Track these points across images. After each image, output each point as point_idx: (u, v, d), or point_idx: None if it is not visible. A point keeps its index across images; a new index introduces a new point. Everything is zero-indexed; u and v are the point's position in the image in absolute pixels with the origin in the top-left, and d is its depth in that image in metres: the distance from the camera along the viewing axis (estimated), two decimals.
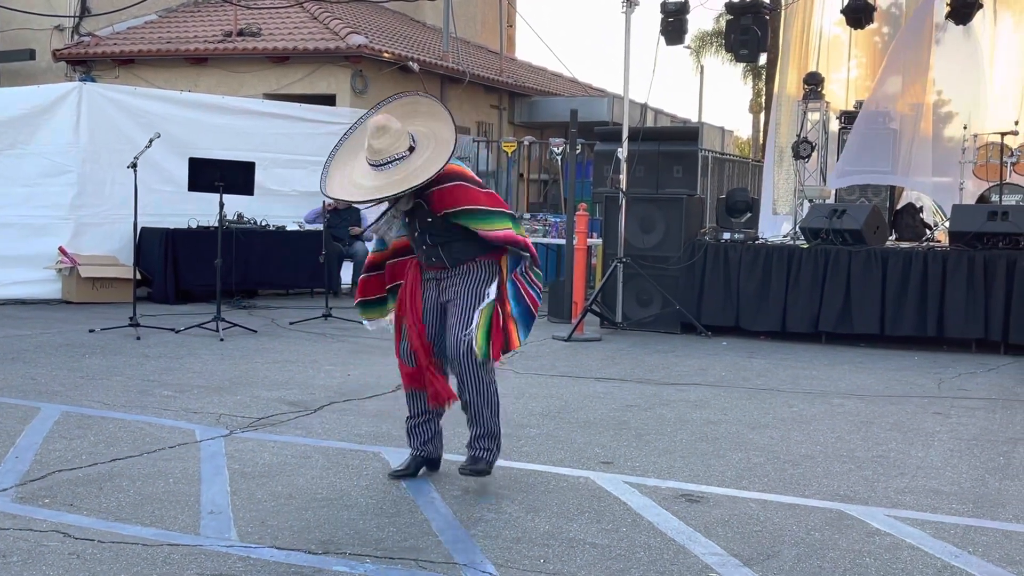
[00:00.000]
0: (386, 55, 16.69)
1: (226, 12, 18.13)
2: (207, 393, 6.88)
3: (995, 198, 11.33)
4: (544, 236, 14.01)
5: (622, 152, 10.79)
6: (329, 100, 16.23)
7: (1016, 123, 12.60)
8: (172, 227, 12.21)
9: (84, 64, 17.86)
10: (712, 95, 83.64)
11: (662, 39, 11.28)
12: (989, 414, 6.85)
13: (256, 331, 9.90)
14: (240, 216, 12.59)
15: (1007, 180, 11.74)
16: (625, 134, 10.85)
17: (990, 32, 13.50)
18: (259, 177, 10.52)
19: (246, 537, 4.02)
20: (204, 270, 10.98)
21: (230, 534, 4.06)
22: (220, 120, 13.34)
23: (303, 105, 14.61)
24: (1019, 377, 8.33)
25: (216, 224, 10.05)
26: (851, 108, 13.89)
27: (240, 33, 17.30)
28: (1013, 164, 11.99)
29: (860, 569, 3.85)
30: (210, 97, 14.23)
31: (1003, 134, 12.02)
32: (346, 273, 13.38)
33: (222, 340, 9.24)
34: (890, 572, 3.83)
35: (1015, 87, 13.57)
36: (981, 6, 11.89)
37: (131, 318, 9.52)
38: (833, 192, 12.94)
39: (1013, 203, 11.01)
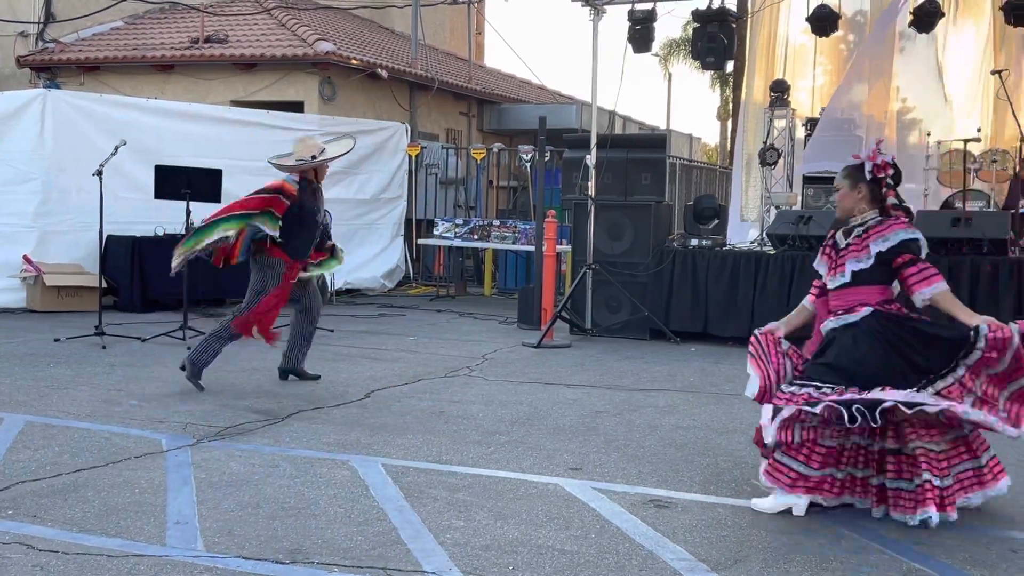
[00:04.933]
0: (354, 62, 16.66)
1: (193, 19, 18.04)
2: (174, 402, 6.83)
3: (959, 204, 11.45)
4: (514, 243, 14.03)
5: (591, 159, 10.83)
6: (297, 107, 16.18)
7: (979, 130, 12.76)
8: (139, 235, 12.11)
9: (49, 71, 17.72)
10: (680, 102, 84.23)
11: (630, 47, 11.32)
12: None
13: None
14: None
15: (970, 186, 11.87)
16: (593, 141, 10.89)
17: (952, 40, 13.68)
18: (227, 184, 10.45)
19: (213, 547, 3.99)
20: (171, 279, 10.82)
21: (197, 544, 4.03)
22: (187, 127, 13.25)
23: (271, 112, 14.54)
24: None
25: (183, 232, 9.98)
26: (817, 115, 14.02)
27: (207, 40, 17.22)
28: (976, 170, 12.14)
29: (826, 572, 3.88)
30: (177, 104, 14.13)
31: (966, 141, 12.17)
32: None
33: (189, 348, 9.16)
34: (857, 575, 3.85)
35: (977, 94, 13.75)
36: (943, 15, 12.03)
37: (97, 327, 9.44)
38: (799, 199, 13.04)
39: (977, 209, 11.13)
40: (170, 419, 6.30)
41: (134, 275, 12.02)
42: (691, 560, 3.98)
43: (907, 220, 4.82)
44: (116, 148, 9.72)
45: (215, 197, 10.09)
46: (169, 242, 11.87)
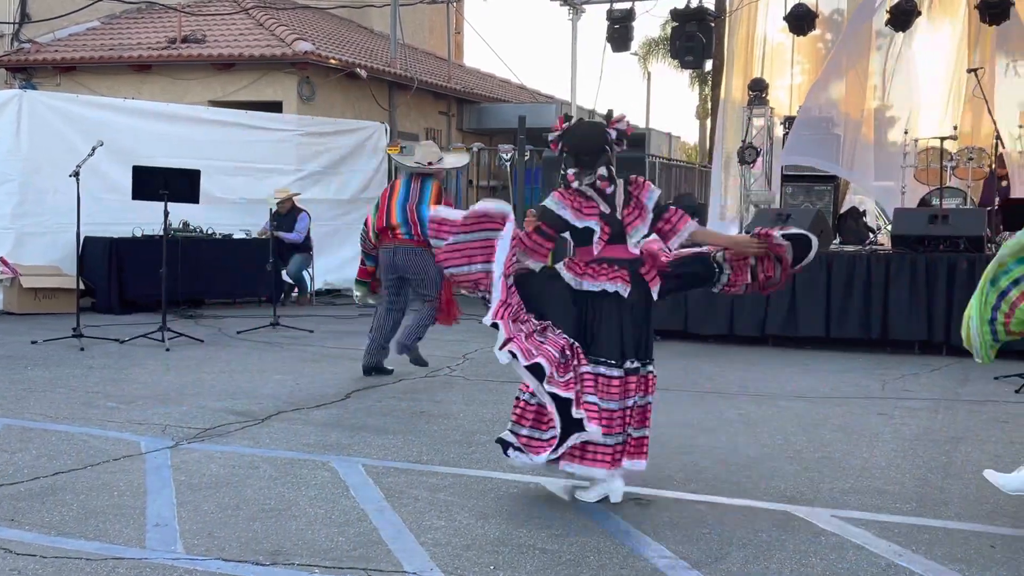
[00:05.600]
0: (333, 61, 16.62)
1: (170, 19, 17.94)
2: (152, 404, 6.79)
3: (936, 201, 11.53)
4: None
5: None
6: (275, 107, 16.12)
7: (955, 128, 12.85)
8: (116, 236, 12.05)
9: (25, 72, 17.58)
10: (659, 101, 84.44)
11: (608, 46, 11.36)
12: (932, 414, 6.97)
13: (203, 340, 9.80)
14: (186, 224, 12.46)
15: (947, 184, 11.95)
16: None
17: (928, 38, 13.76)
18: (205, 185, 10.42)
19: (192, 549, 3.98)
20: (149, 279, 10.84)
21: (176, 547, 4.01)
22: (165, 128, 13.20)
23: (249, 112, 14.49)
24: (960, 378, 8.48)
25: (161, 233, 9.94)
26: (795, 114, 14.08)
27: (184, 40, 17.14)
28: (953, 168, 12.22)
29: (806, 569, 3.89)
30: (154, 104, 14.07)
31: (943, 139, 12.25)
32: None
33: (168, 350, 9.13)
34: (836, 572, 3.87)
35: (953, 92, 13.84)
36: (920, 13, 12.13)
37: (74, 329, 9.38)
38: (778, 197, 13.10)
39: (953, 206, 11.21)
40: (149, 421, 6.27)
41: (112, 276, 11.95)
42: (672, 558, 3.99)
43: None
44: (93, 149, 9.67)
45: (193, 198, 10.05)
46: (147, 243, 11.87)
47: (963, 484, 5.15)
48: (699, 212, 11.82)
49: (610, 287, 4.67)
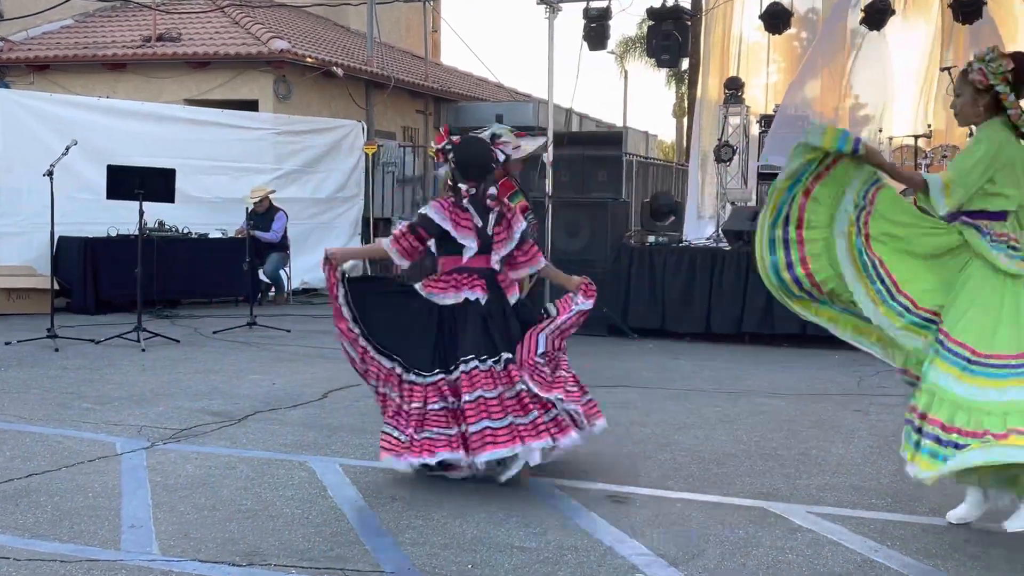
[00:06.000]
0: (309, 60, 16.56)
1: (145, 17, 17.83)
2: (128, 405, 6.74)
3: (909, 199, 11.59)
4: None
5: (548, 157, 10.85)
6: (251, 105, 16.05)
7: (929, 126, 12.94)
8: (91, 236, 11.95)
9: None
10: (636, 100, 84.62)
11: (585, 44, 11.36)
12: (903, 408, 7.00)
13: (179, 341, 9.74)
14: (161, 224, 12.38)
15: None
16: (550, 138, 10.91)
17: (903, 37, 13.85)
18: (180, 184, 10.34)
19: (168, 551, 3.95)
20: (124, 279, 10.75)
21: (152, 548, 3.99)
22: (139, 127, 13.11)
23: (224, 111, 14.42)
24: None
25: (136, 232, 9.87)
26: (771, 112, 14.14)
27: (159, 38, 17.03)
28: (927, 166, 12.31)
29: (782, 566, 3.91)
30: (129, 103, 13.97)
31: (917, 137, 12.33)
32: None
33: (143, 350, 9.07)
34: (812, 568, 3.90)
35: (927, 91, 13.94)
36: (894, 12, 12.20)
37: (49, 329, 9.30)
38: (754, 195, 13.16)
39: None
40: (124, 422, 6.23)
41: (87, 276, 11.86)
42: (649, 555, 4.00)
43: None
44: (67, 148, 9.59)
45: (168, 197, 9.98)
46: (122, 243, 11.79)
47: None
48: (676, 210, 11.85)
49: (471, 295, 4.98)
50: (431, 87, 20.22)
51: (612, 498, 4.77)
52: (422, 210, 5.08)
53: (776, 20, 12.72)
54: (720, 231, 11.74)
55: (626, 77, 35.64)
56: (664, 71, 33.88)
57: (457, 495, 4.77)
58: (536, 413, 4.83)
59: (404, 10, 22.87)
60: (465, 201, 5.01)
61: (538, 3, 11.06)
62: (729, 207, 12.53)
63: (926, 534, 4.32)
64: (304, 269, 14.09)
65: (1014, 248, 4.29)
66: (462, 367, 4.83)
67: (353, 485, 4.91)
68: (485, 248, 5.05)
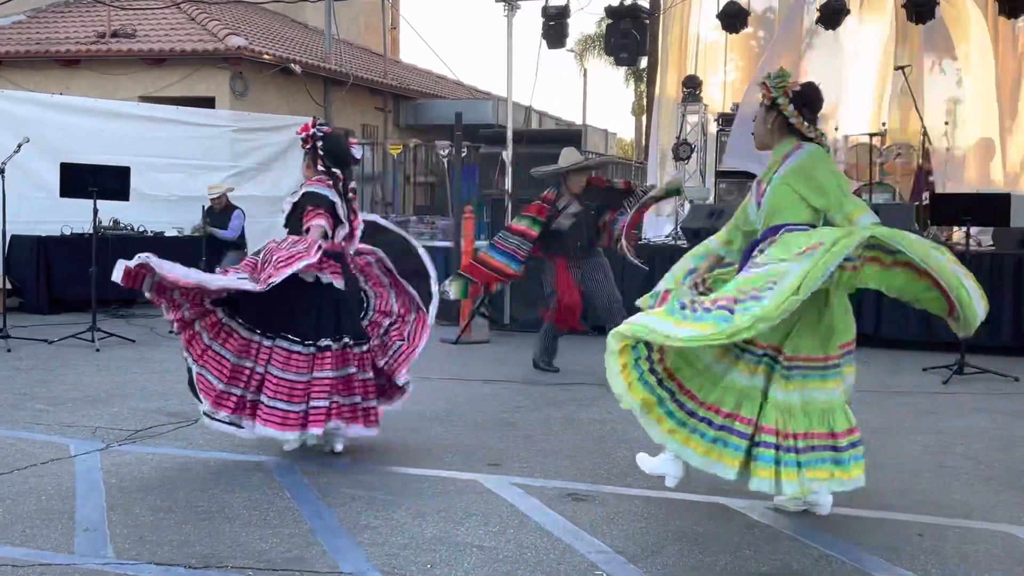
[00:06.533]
0: (266, 57, 16.43)
1: (99, 12, 17.60)
2: (82, 406, 6.65)
3: (866, 197, 11.73)
4: (432, 239, 13.97)
5: (507, 155, 10.85)
6: (208, 103, 15.90)
7: (884, 124, 13.09)
8: (44, 235, 11.79)
9: None
10: (595, 98, 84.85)
11: (544, 42, 11.38)
12: (863, 406, 7.07)
13: (134, 340, 9.63)
14: (116, 222, 12.23)
15: (877, 179, 12.17)
16: (510, 137, 10.92)
17: (858, 36, 14.01)
18: (135, 182, 10.23)
19: (123, 554, 3.90)
20: (78, 279, 10.61)
21: (106, 551, 3.93)
22: (94, 124, 12.94)
23: (180, 108, 14.27)
24: (891, 369, 8.64)
25: (90, 231, 9.74)
26: (729, 111, 14.22)
27: (114, 34, 16.83)
28: (882, 164, 12.45)
29: (740, 561, 3.94)
30: (83, 100, 13.79)
31: (872, 135, 12.47)
32: None
33: (98, 351, 8.96)
34: (770, 563, 3.92)
35: (882, 89, 14.11)
36: (849, 11, 12.33)
37: (0, 329, 9.16)
38: (712, 193, 13.24)
39: (882, 201, 11.41)
40: (78, 423, 6.14)
41: (40, 276, 11.70)
42: (608, 552, 4.00)
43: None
44: (19, 145, 9.46)
45: (123, 195, 9.88)
46: (76, 241, 11.63)
47: (893, 475, 5.25)
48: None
49: (333, 280, 5.29)
50: (390, 84, 20.14)
51: (572, 496, 4.77)
52: (313, 190, 5.33)
53: (733, 19, 12.81)
54: (679, 229, 11.79)
55: (585, 75, 35.76)
56: (623, 69, 34.02)
57: (416, 495, 4.76)
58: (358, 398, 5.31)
59: (363, 7, 22.77)
60: (341, 185, 5.35)
61: (497, 1, 11.05)
62: (688, 205, 12.59)
63: (882, 528, 4.36)
64: None
65: None
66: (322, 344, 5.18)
67: (311, 485, 4.88)
68: (346, 237, 5.39)
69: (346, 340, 5.26)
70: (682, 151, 13.11)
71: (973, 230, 9.52)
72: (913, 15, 11.66)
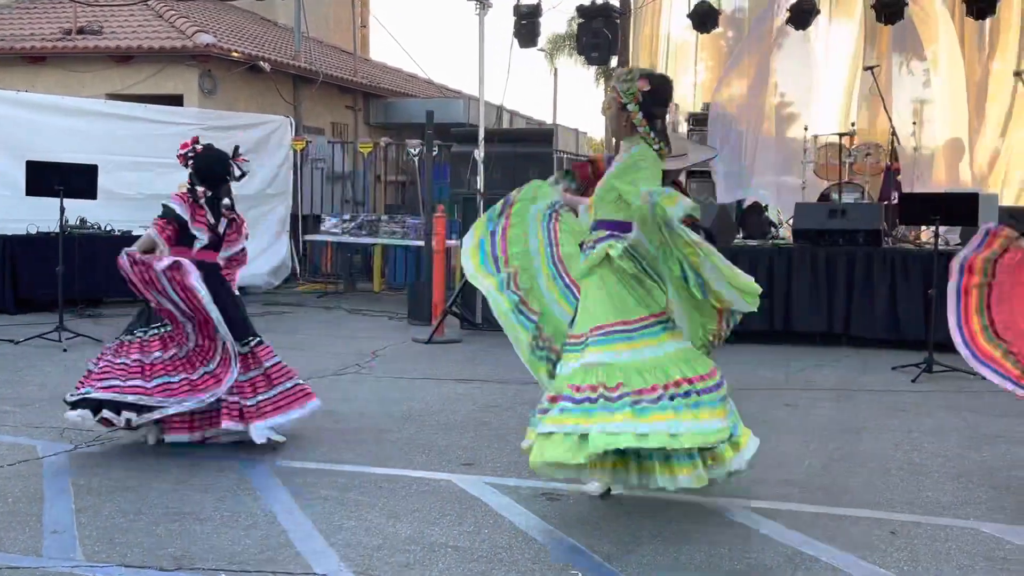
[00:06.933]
0: (235, 54, 16.31)
1: (65, 9, 17.41)
2: (50, 407, 6.55)
3: (835, 196, 11.81)
4: (403, 238, 13.94)
5: (479, 154, 10.83)
6: (176, 100, 15.76)
7: (853, 124, 13.19)
8: (9, 233, 11.63)
9: None
10: (566, 97, 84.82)
11: (516, 41, 11.37)
12: (834, 404, 7.14)
13: (101, 340, 9.48)
14: (83, 221, 12.08)
15: (846, 179, 12.26)
16: (481, 135, 10.90)
17: (827, 36, 14.11)
18: (102, 181, 10.12)
19: (93, 556, 3.85)
20: (45, 278, 10.48)
21: (75, 554, 3.88)
22: (60, 121, 12.78)
23: (148, 106, 14.13)
24: (861, 368, 8.70)
25: (57, 230, 9.63)
26: (699, 110, 14.28)
27: (80, 31, 16.64)
28: (851, 163, 12.54)
29: (714, 560, 3.94)
30: (49, 97, 13.62)
31: (841, 135, 12.56)
32: None
33: (65, 351, 8.86)
34: (743, 561, 3.93)
35: (851, 89, 14.21)
36: (819, 12, 12.41)
37: None
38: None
39: (851, 201, 11.50)
40: (46, 424, 6.07)
41: (5, 275, 11.53)
42: (583, 551, 4.00)
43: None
44: None
45: (90, 194, 9.78)
46: (42, 240, 11.48)
47: (865, 473, 5.28)
48: None
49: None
50: (360, 83, 20.05)
51: (546, 495, 4.76)
52: (166, 203, 5.70)
53: (704, 19, 12.85)
54: None
55: (556, 75, 35.65)
56: (592, 69, 34.06)
57: (389, 495, 4.73)
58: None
59: (332, 5, 22.66)
60: (202, 201, 5.69)
61: None
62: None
63: (854, 526, 4.39)
64: None
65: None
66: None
67: (283, 486, 4.84)
68: (214, 246, 5.75)
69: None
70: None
71: (941, 229, 9.60)
72: (882, 16, 11.76)
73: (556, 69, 35.82)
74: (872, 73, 12.25)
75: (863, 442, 5.98)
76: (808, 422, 6.50)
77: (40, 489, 4.74)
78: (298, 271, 15.57)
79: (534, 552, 3.99)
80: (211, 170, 5.79)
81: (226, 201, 5.82)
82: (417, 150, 15.12)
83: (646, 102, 4.56)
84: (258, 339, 5.79)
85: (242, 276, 15.10)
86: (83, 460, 5.27)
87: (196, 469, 5.13)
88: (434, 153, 11.77)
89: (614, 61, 14.99)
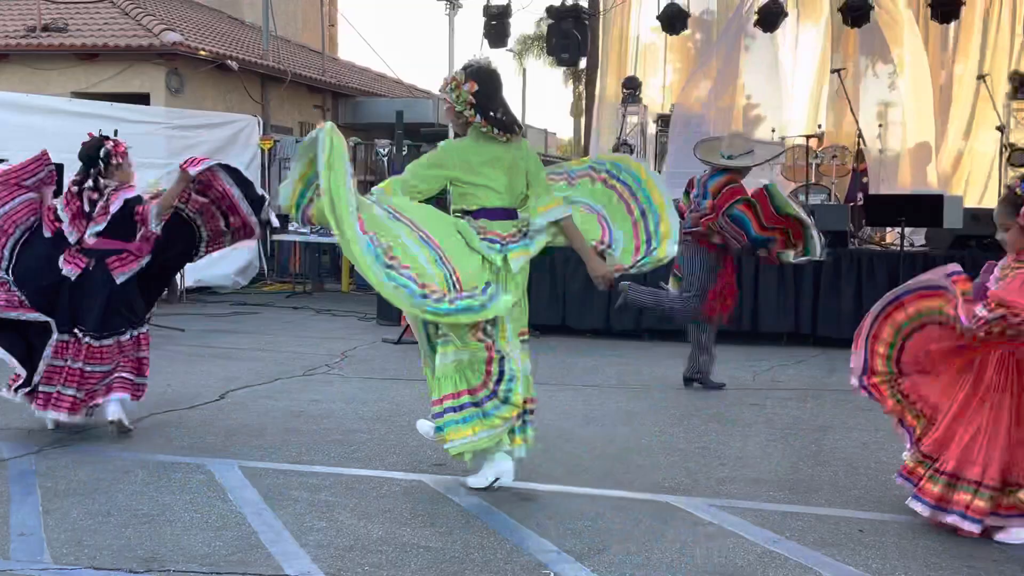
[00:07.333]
0: (203, 53, 16.20)
1: (29, 5, 17.20)
2: (14, 408, 6.46)
3: (802, 198, 11.91)
4: None
5: None
6: (143, 99, 15.63)
7: (820, 126, 13.31)
8: None
9: None
10: (535, 98, 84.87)
11: (486, 42, 11.37)
12: (801, 404, 7.20)
13: None
14: None
15: (812, 181, 12.36)
16: (451, 135, 10.87)
17: (795, 39, 14.23)
18: (68, 179, 9.99)
19: (61, 559, 3.82)
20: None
21: (43, 556, 3.84)
22: (24, 120, 12.64)
23: (115, 104, 14.00)
24: (827, 368, 8.78)
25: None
26: (668, 112, 14.34)
27: (45, 28, 16.46)
28: (818, 165, 12.65)
29: (685, 559, 3.97)
30: (13, 95, 13.49)
31: (808, 137, 12.67)
32: None
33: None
34: (714, 560, 3.96)
35: (818, 92, 14.34)
36: (787, 15, 12.52)
37: None
38: None
39: (818, 202, 11.59)
40: (11, 426, 6.00)
41: None
42: (556, 552, 4.01)
43: None
44: None
45: (55, 193, 9.63)
46: None
47: (832, 471, 5.33)
48: None
49: (68, 271, 5.84)
50: (328, 82, 19.98)
51: (517, 495, 4.77)
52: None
53: (673, 21, 12.93)
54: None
55: (524, 75, 35.75)
56: (563, 70, 34.15)
57: (360, 496, 4.72)
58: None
59: (301, 3, 22.55)
60: (75, 189, 5.98)
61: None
62: None
63: (823, 524, 4.43)
64: (198, 267, 13.66)
65: (491, 240, 4.75)
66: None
67: (253, 487, 4.81)
68: (110, 230, 5.88)
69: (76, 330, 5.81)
70: (622, 151, 13.19)
71: (907, 230, 9.72)
72: (849, 19, 11.88)
73: (525, 69, 35.99)
74: (839, 76, 12.37)
75: (830, 441, 6.04)
76: (775, 421, 6.55)
77: (6, 491, 4.68)
78: (266, 271, 15.49)
79: (506, 552, 3.99)
80: (84, 155, 6.09)
81: (89, 183, 5.97)
82: (386, 150, 15.10)
83: (480, 102, 4.66)
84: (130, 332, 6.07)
85: (210, 276, 15.20)
86: (50, 462, 5.21)
87: (164, 470, 5.09)
88: (403, 153, 11.75)
89: (583, 62, 15.07)
